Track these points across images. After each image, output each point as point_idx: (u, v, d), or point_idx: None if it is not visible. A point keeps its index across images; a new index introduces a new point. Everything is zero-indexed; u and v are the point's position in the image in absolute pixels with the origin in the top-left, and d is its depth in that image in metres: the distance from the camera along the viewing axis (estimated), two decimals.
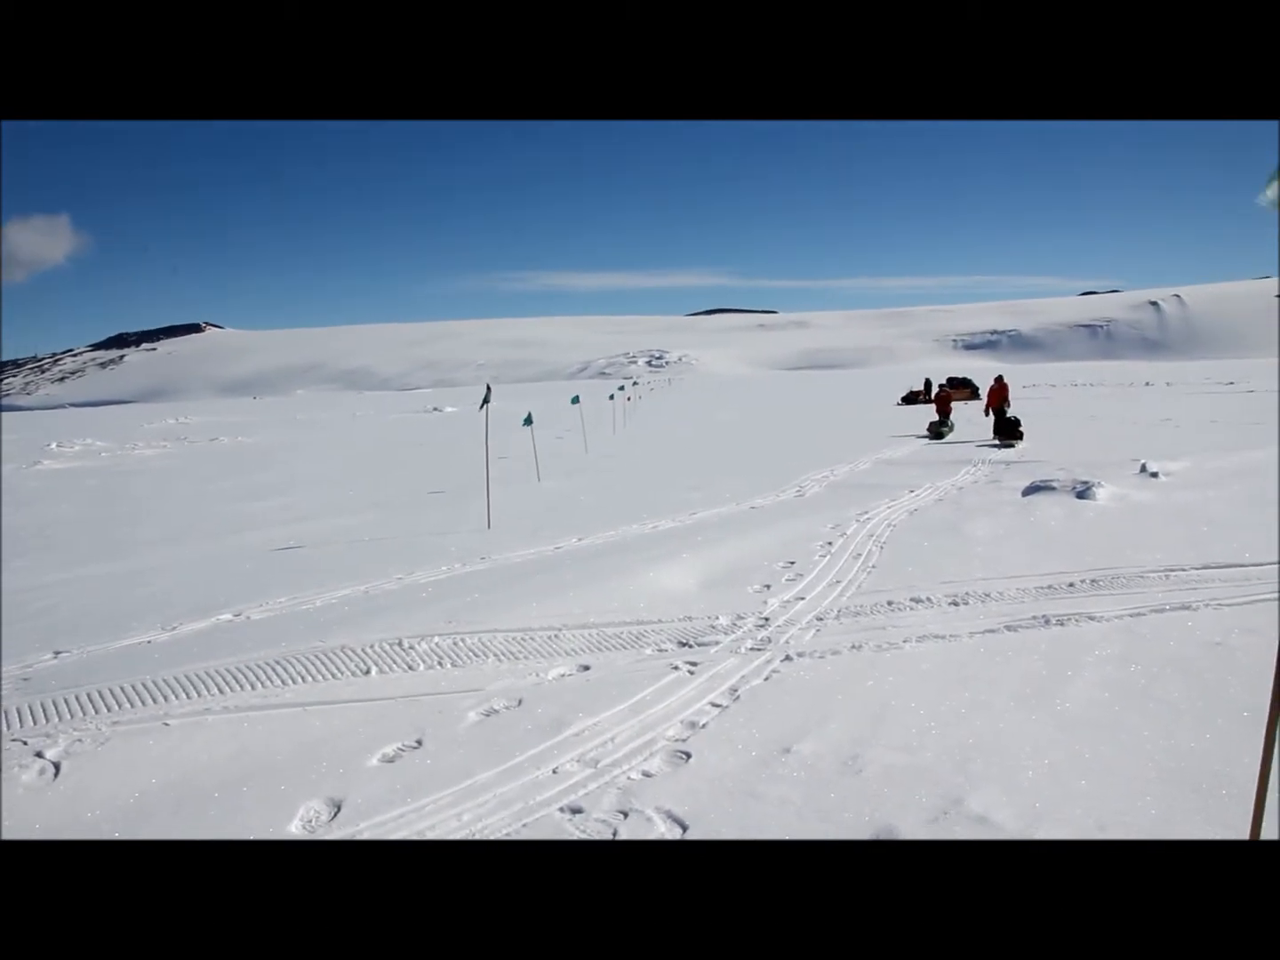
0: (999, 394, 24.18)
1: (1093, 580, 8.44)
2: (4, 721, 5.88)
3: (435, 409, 65.44)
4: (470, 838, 4.39)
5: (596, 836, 4.35)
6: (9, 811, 4.73)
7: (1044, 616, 7.38)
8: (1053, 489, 13.65)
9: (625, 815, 4.53)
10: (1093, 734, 5.22)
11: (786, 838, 4.24)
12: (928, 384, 49.36)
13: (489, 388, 15.57)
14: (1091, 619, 7.31)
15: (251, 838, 4.21)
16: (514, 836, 4.38)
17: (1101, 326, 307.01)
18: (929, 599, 8.09)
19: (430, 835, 4.42)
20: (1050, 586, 8.29)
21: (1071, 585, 8.31)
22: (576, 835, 4.37)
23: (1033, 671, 6.23)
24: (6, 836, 4.51)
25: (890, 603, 8.06)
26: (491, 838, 4.35)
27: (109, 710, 5.96)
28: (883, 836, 4.20)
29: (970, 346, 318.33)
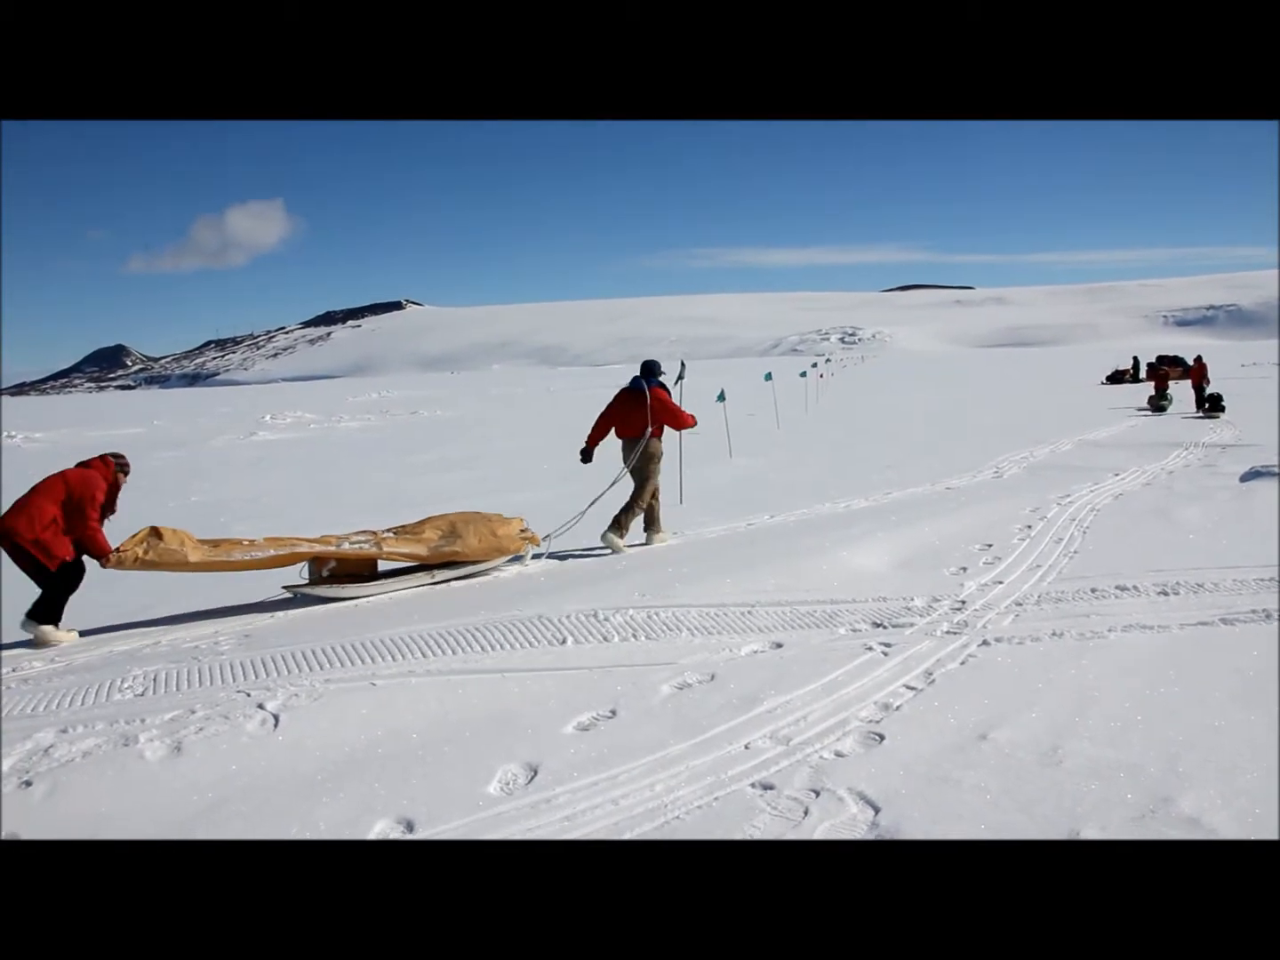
0: (1199, 373, 29.35)
1: None
2: (231, 674, 6.28)
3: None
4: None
5: (787, 815, 4.35)
6: (238, 756, 5.05)
7: (1264, 611, 6.94)
8: (1275, 475, 12.86)
9: (817, 794, 4.51)
10: None
11: (977, 829, 4.15)
12: (1135, 362, 47.44)
13: (683, 364, 15.62)
14: None
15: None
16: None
17: None
18: (1135, 587, 7.73)
19: (623, 804, 4.50)
20: (1271, 579, 7.78)
21: None
22: (768, 811, 4.37)
23: (1251, 668, 5.87)
24: (232, 778, 4.82)
25: (1094, 590, 7.74)
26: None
27: (322, 668, 6.28)
28: (1083, 831, 4.06)
29: (1183, 323, 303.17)
